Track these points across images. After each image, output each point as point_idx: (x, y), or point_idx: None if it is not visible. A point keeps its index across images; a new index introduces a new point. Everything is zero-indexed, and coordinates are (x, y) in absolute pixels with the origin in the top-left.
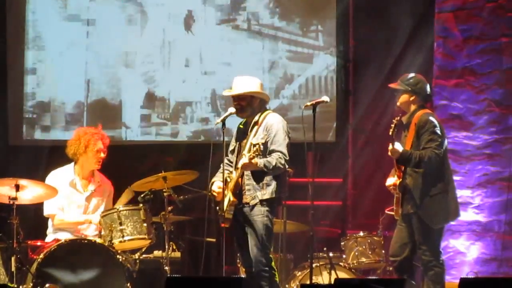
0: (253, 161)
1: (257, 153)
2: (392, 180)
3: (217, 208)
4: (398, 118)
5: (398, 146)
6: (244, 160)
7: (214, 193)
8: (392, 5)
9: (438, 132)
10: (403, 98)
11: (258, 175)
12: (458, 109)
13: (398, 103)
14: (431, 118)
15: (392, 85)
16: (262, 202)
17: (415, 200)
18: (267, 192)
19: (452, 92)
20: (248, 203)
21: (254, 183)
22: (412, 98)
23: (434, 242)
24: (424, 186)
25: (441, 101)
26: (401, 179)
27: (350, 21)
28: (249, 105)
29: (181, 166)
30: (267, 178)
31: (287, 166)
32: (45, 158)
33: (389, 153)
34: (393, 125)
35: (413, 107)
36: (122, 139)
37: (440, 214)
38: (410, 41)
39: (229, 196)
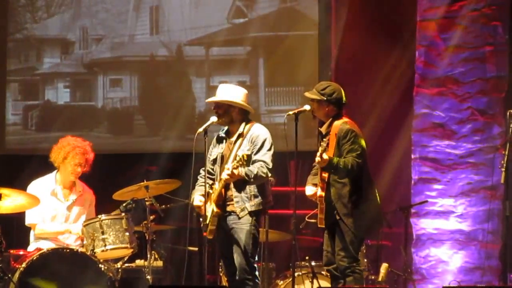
0: (235, 171)
1: (240, 162)
2: (312, 189)
3: (200, 219)
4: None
5: (326, 156)
6: (227, 172)
7: (197, 208)
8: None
9: (358, 142)
10: (319, 108)
11: (242, 185)
12: (440, 117)
13: (315, 113)
14: (352, 128)
15: (307, 94)
16: (250, 213)
17: (340, 209)
18: (256, 203)
19: (434, 100)
20: (236, 213)
21: (242, 194)
22: (328, 108)
23: (354, 249)
24: (348, 196)
25: (422, 109)
26: (325, 191)
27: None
28: (226, 113)
29: (163, 175)
30: (254, 190)
31: (269, 175)
32: (27, 167)
33: (317, 162)
34: (324, 144)
35: (329, 117)
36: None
37: (364, 221)
38: (392, 49)
39: (212, 207)
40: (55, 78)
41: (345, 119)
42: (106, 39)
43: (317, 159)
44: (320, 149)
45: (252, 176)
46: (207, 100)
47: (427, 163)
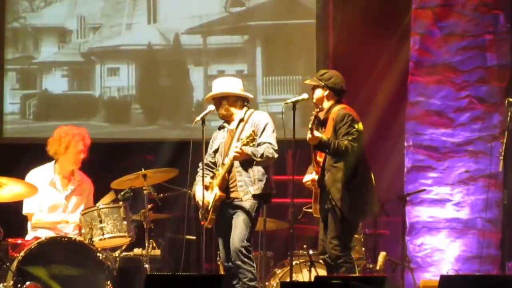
0: (244, 148)
1: (250, 138)
2: (310, 177)
3: (200, 210)
4: (318, 110)
5: (318, 133)
6: (236, 149)
7: (199, 203)
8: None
9: (355, 126)
10: (318, 93)
11: (248, 165)
12: (436, 105)
13: (314, 100)
14: (349, 113)
15: (307, 81)
16: (253, 196)
17: (334, 194)
18: (259, 187)
19: (430, 88)
20: (239, 198)
21: (246, 178)
22: (326, 93)
23: (345, 237)
24: (343, 180)
25: (417, 97)
26: (319, 175)
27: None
28: (223, 105)
29: (161, 164)
30: (259, 174)
31: (276, 155)
32: (25, 156)
33: (308, 140)
34: (312, 117)
35: (328, 103)
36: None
37: (358, 208)
38: (388, 38)
39: (215, 192)
40: (53, 67)
41: (343, 105)
42: (104, 28)
43: (308, 135)
44: (310, 124)
45: (259, 155)
46: (206, 97)
47: (421, 151)
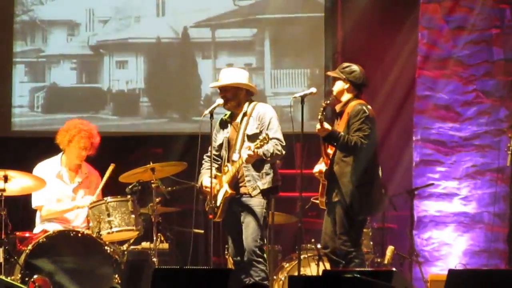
0: (257, 150)
1: (265, 141)
2: (319, 167)
3: (207, 202)
4: (327, 102)
5: (327, 125)
6: (249, 152)
7: (207, 190)
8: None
9: (368, 123)
10: (338, 86)
11: (259, 164)
12: (443, 99)
13: (334, 92)
14: (364, 108)
15: (329, 73)
16: (262, 192)
17: (341, 189)
18: (267, 181)
19: (437, 82)
20: (248, 194)
21: (254, 173)
22: (346, 86)
23: (355, 232)
24: (351, 176)
25: (424, 91)
26: (328, 167)
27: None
28: (234, 97)
29: (169, 157)
30: (266, 167)
31: (284, 152)
32: (34, 149)
33: (317, 131)
34: (322, 108)
35: (347, 96)
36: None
37: (364, 205)
38: (396, 32)
39: (225, 189)
40: (61, 60)
41: (360, 101)
42: (112, 21)
43: (317, 126)
44: (320, 115)
45: (269, 155)
46: (211, 85)
47: (429, 145)
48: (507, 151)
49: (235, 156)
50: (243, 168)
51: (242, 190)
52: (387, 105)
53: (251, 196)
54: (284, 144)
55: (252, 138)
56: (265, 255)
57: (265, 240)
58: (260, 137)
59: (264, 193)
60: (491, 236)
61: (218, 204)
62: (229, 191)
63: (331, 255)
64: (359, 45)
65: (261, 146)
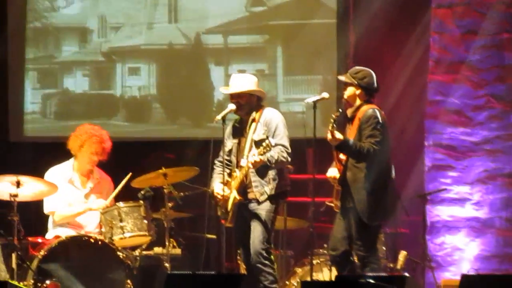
0: (261, 157)
1: (266, 149)
2: (333, 172)
3: (218, 208)
4: (337, 114)
5: (339, 135)
6: (254, 158)
7: (219, 196)
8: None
9: (380, 128)
10: (349, 91)
11: (263, 170)
12: (455, 104)
13: (345, 96)
14: (376, 114)
15: (340, 77)
16: (270, 197)
17: (354, 195)
18: (274, 186)
19: (449, 87)
20: (256, 199)
21: (260, 178)
22: (358, 92)
23: (369, 237)
24: (364, 182)
25: (436, 96)
26: (341, 173)
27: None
28: (247, 103)
29: (181, 163)
30: (272, 173)
31: (289, 159)
32: (46, 155)
33: (329, 141)
34: (332, 120)
35: (358, 101)
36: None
37: (377, 211)
38: (408, 37)
39: (234, 195)
40: (74, 67)
41: (372, 106)
42: (125, 27)
43: (328, 136)
44: (330, 126)
45: (274, 161)
46: (223, 91)
47: (441, 150)
48: None
49: (243, 162)
50: (251, 174)
51: (250, 195)
52: (399, 110)
53: (258, 202)
54: (289, 151)
55: (259, 144)
56: (272, 257)
57: (271, 244)
58: (264, 144)
59: (272, 198)
60: (502, 241)
61: (228, 209)
62: (238, 197)
63: (338, 259)
64: (371, 51)
65: (264, 153)
